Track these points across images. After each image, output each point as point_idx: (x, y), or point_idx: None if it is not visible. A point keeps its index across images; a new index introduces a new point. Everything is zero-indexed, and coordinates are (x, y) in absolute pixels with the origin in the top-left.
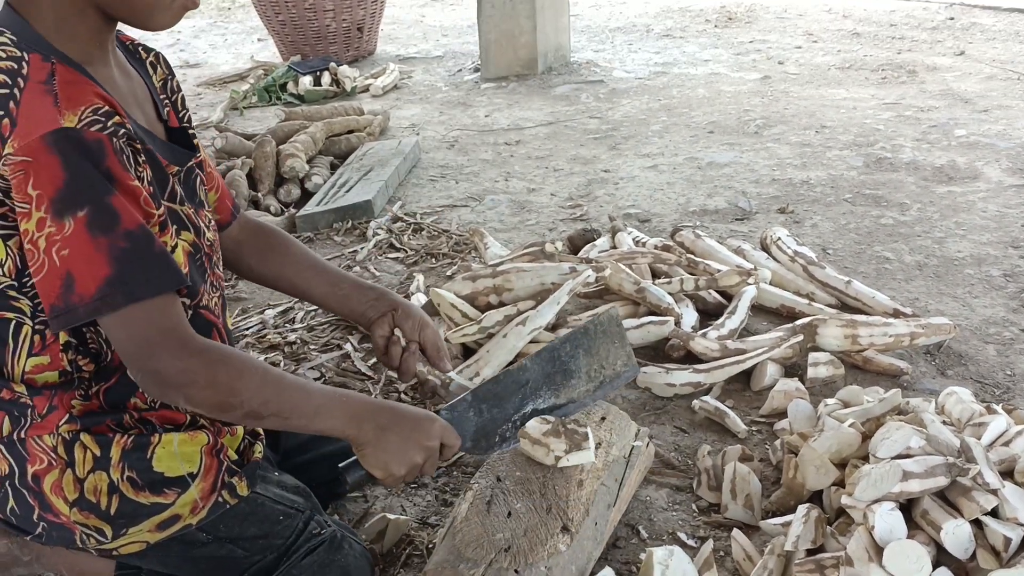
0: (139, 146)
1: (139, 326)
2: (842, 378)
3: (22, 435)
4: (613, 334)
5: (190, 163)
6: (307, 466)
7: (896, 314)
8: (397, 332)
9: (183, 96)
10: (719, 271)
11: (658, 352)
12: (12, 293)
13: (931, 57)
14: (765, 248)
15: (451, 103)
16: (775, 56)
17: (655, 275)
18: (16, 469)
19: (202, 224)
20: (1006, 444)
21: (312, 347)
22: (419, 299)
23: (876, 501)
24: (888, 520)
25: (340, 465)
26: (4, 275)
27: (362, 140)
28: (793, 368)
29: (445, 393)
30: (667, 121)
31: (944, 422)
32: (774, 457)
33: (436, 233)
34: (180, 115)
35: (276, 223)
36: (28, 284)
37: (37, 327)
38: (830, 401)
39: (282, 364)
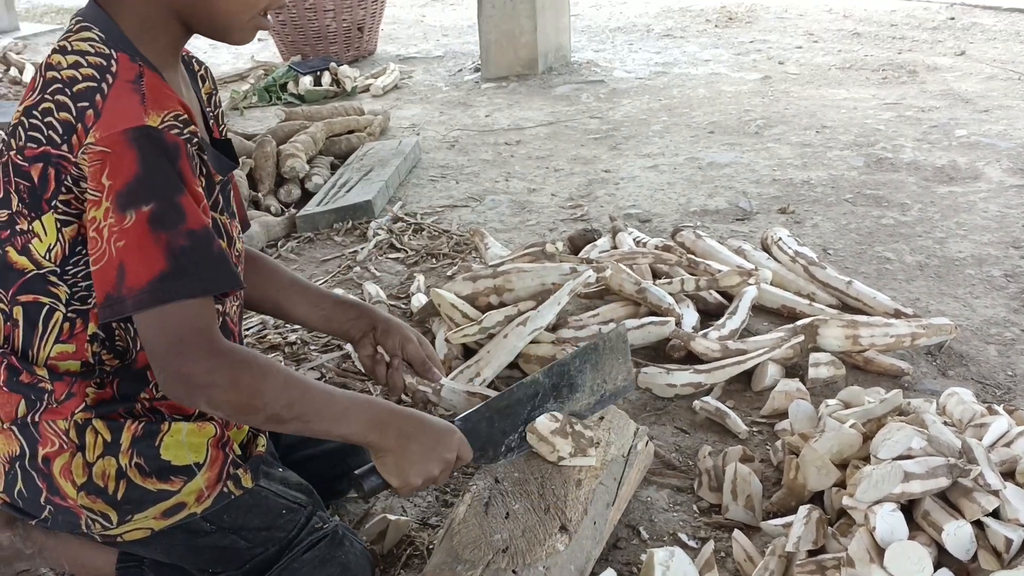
0: (204, 156)
1: (174, 324)
2: (843, 379)
3: (36, 418)
4: (618, 350)
5: (229, 174)
6: (306, 462)
7: (897, 314)
8: (381, 349)
9: (223, 111)
10: (720, 271)
11: (659, 352)
12: (53, 279)
13: (932, 57)
14: (766, 248)
15: (451, 103)
16: (776, 56)
17: (656, 275)
18: (27, 450)
19: (234, 234)
20: (1007, 445)
21: (312, 347)
22: (419, 299)
23: (877, 502)
24: (889, 521)
25: (356, 472)
26: (50, 260)
27: (362, 140)
28: (794, 369)
29: (437, 399)
30: (668, 121)
31: (945, 423)
32: (775, 458)
33: (437, 233)
34: (220, 129)
35: (277, 223)
36: (71, 272)
37: (69, 315)
38: (831, 402)
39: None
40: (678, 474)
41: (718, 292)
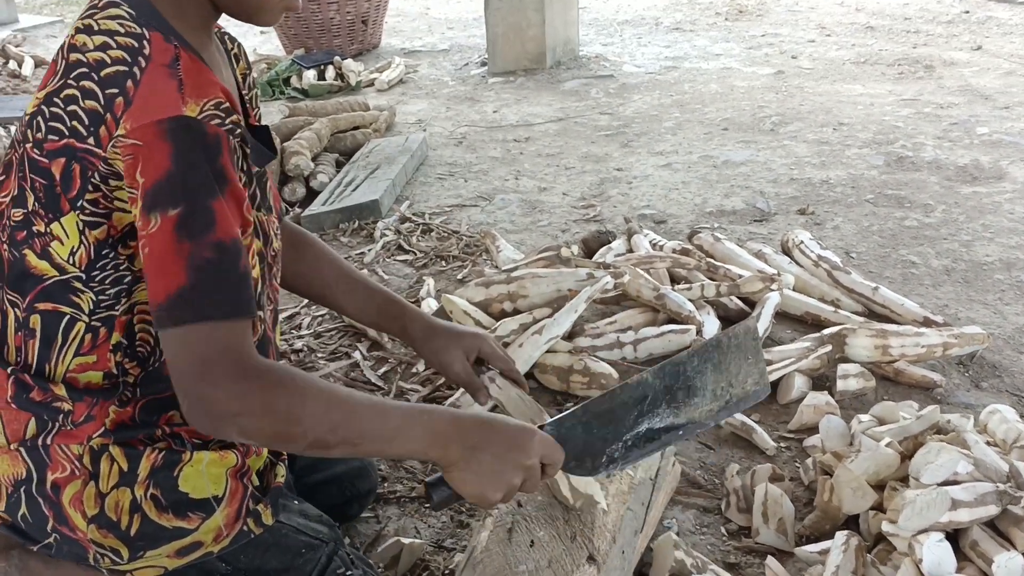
0: (247, 148)
1: (199, 342)
2: (872, 390)
3: (47, 440)
4: (748, 348)
5: (265, 165)
6: (317, 487)
7: (927, 323)
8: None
9: (257, 93)
10: (741, 276)
11: None
12: (77, 285)
13: (948, 52)
14: (787, 251)
15: (458, 98)
16: (788, 50)
17: (674, 280)
18: (35, 475)
19: (271, 231)
20: None
21: (319, 355)
22: (430, 305)
23: (922, 531)
24: (936, 552)
25: (426, 480)
26: (73, 264)
27: (368, 136)
28: (821, 380)
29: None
30: (680, 117)
31: (988, 442)
32: (806, 477)
33: (446, 234)
34: (256, 114)
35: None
36: (97, 279)
37: (93, 324)
38: (864, 418)
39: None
40: (704, 493)
41: (739, 298)
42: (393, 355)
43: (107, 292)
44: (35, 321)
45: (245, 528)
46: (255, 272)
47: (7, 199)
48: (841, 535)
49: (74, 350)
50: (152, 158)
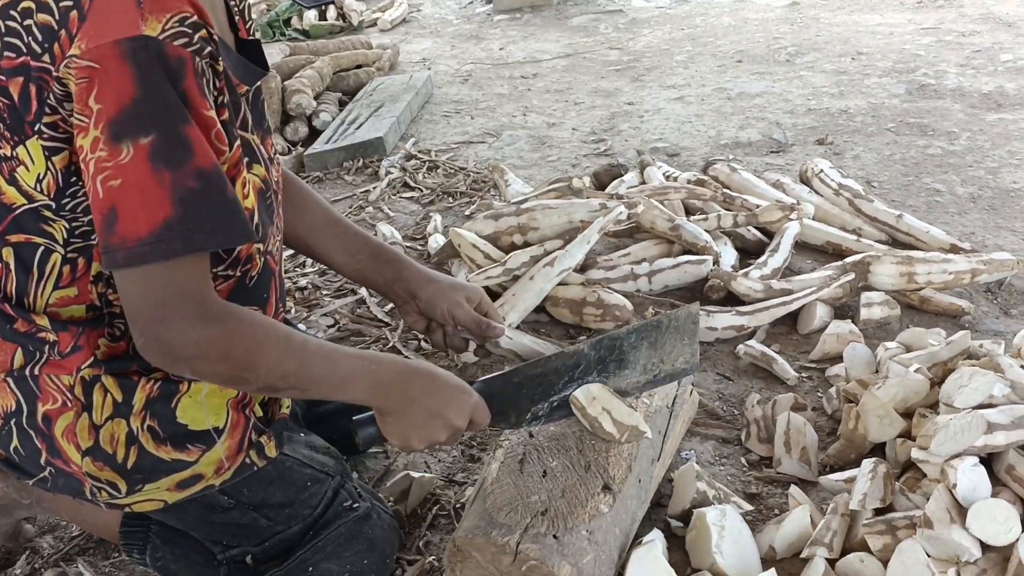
0: (220, 66)
1: (159, 285)
2: (897, 319)
3: (35, 371)
4: (685, 331)
5: (259, 82)
6: (325, 418)
7: (954, 249)
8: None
9: (250, 3)
10: (758, 206)
11: (696, 294)
12: (47, 214)
13: None
14: (806, 181)
15: (463, 36)
16: None
17: (689, 212)
18: (25, 406)
19: (270, 153)
20: None
21: (324, 292)
22: (437, 240)
23: (955, 456)
24: (971, 477)
25: (354, 418)
26: (42, 192)
27: (371, 75)
28: (843, 309)
29: (495, 347)
30: (692, 51)
31: (1022, 366)
32: (829, 406)
33: (452, 171)
34: (248, 25)
35: (283, 163)
36: (68, 206)
37: (69, 255)
38: (891, 345)
39: (293, 311)
40: (723, 424)
41: (757, 228)
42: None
43: (80, 220)
44: (8, 254)
45: (248, 460)
46: (252, 201)
47: None
48: (868, 462)
49: (53, 283)
50: (111, 83)
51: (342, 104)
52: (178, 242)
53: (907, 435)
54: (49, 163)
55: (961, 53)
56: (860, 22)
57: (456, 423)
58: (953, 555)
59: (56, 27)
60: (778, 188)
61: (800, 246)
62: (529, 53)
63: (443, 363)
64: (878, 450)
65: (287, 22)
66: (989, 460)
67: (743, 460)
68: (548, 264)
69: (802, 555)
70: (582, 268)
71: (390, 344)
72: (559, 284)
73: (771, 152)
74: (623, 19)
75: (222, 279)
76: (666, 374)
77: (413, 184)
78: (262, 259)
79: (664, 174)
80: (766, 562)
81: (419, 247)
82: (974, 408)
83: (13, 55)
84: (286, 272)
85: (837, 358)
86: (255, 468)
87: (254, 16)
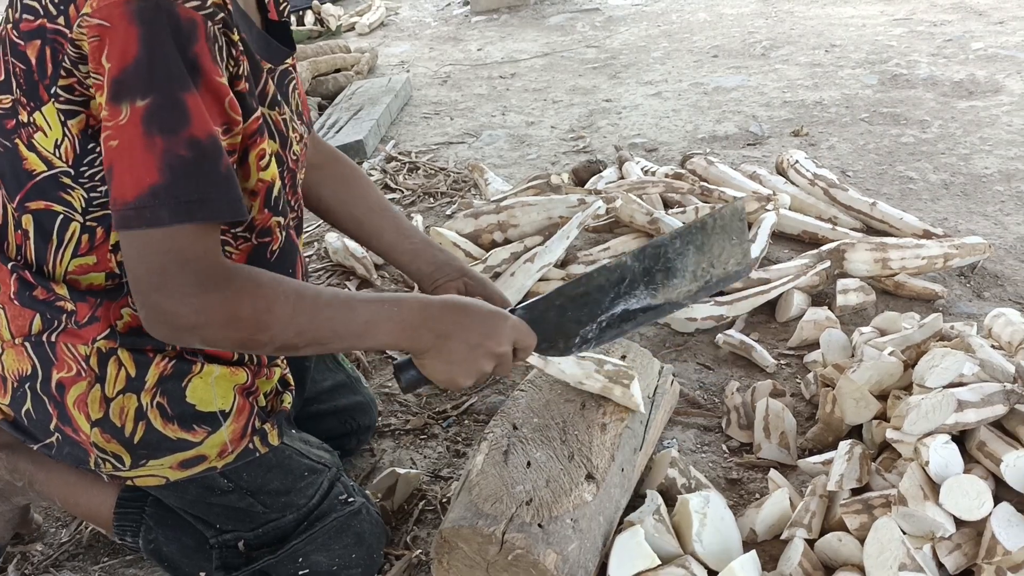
0: (236, 36)
1: (158, 251)
2: (873, 305)
3: (52, 338)
4: (733, 230)
5: (285, 64)
6: (315, 418)
7: (927, 235)
8: None
9: None
10: (735, 198)
11: None
12: (66, 181)
13: None
14: (781, 172)
15: (441, 38)
16: None
17: (667, 205)
18: (40, 372)
19: (291, 135)
20: None
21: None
22: None
23: (928, 434)
24: (943, 454)
25: (394, 363)
26: (60, 158)
27: (350, 79)
28: (820, 296)
29: None
30: (668, 47)
31: (993, 346)
32: (807, 391)
33: (433, 172)
34: (280, 8)
35: None
36: (87, 174)
37: (88, 223)
38: (865, 329)
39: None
40: (704, 412)
41: None
42: (384, 291)
43: (98, 189)
44: (27, 222)
45: (250, 446)
46: (273, 172)
47: None
48: (845, 444)
49: (71, 251)
50: (118, 42)
51: (321, 108)
52: (164, 210)
53: (883, 417)
54: (65, 128)
55: (932, 43)
56: (833, 15)
57: (498, 350)
58: (928, 531)
59: None
60: (755, 180)
61: (777, 236)
62: (507, 53)
63: None
64: (855, 432)
65: None
66: (961, 437)
67: (724, 447)
68: (528, 260)
69: (782, 536)
70: (562, 263)
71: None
72: (540, 280)
73: (748, 145)
74: (600, 17)
75: (242, 239)
76: (718, 278)
77: (394, 185)
78: (283, 233)
79: (642, 169)
80: (747, 544)
81: None
82: (945, 387)
83: (32, 18)
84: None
85: (814, 344)
86: (257, 454)
87: None
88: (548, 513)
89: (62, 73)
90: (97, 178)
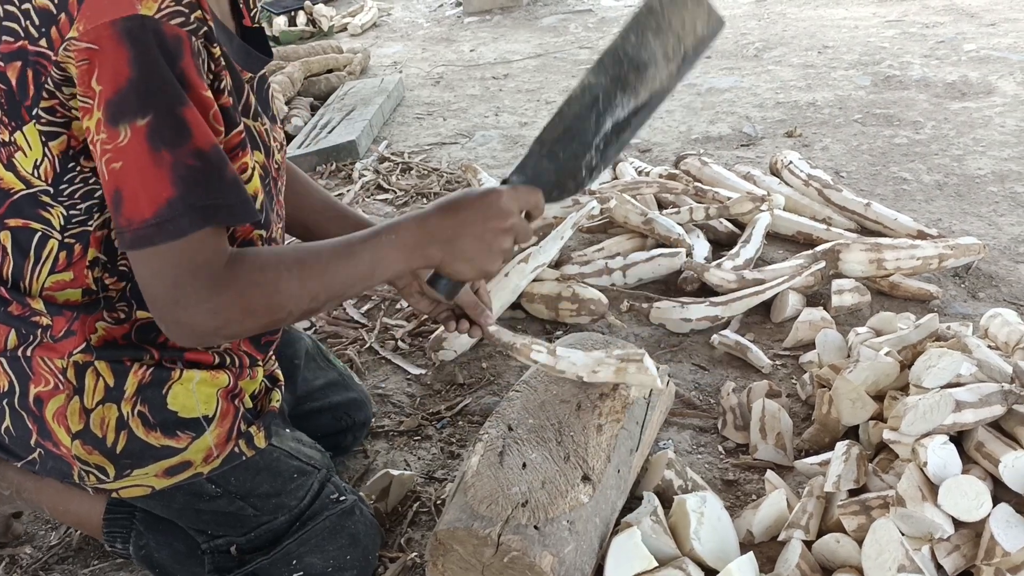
0: (217, 50)
1: (171, 265)
2: (868, 305)
3: (28, 352)
4: None
5: (263, 70)
6: (310, 416)
7: (921, 235)
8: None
9: None
10: (730, 199)
11: (670, 286)
12: (45, 199)
13: None
14: (775, 173)
15: (434, 39)
16: None
17: (661, 206)
18: (17, 387)
19: (272, 144)
20: None
21: None
22: None
23: (925, 435)
24: (941, 455)
25: (427, 280)
26: (40, 178)
27: (342, 80)
28: (815, 297)
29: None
30: None
31: (990, 346)
32: (803, 392)
33: (426, 172)
34: (252, 13)
35: None
36: (66, 192)
37: (66, 241)
38: (861, 330)
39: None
40: (700, 413)
41: (729, 220)
42: (376, 292)
43: (78, 207)
44: (6, 238)
45: (236, 450)
46: (257, 185)
47: None
48: (842, 445)
49: (48, 268)
50: (109, 64)
51: (314, 109)
52: (184, 219)
53: (879, 417)
54: (46, 148)
55: (925, 44)
56: (826, 16)
57: (506, 224)
58: (926, 532)
59: (55, 11)
60: (749, 180)
61: (771, 236)
62: (500, 54)
63: (419, 362)
64: (852, 433)
65: None
66: (959, 438)
67: (720, 448)
68: (522, 261)
69: (779, 538)
70: (556, 264)
71: (367, 345)
72: (534, 280)
73: (741, 145)
74: (592, 19)
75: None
76: (693, 47)
77: (387, 186)
78: (267, 245)
79: (636, 169)
80: (744, 546)
81: None
82: (943, 388)
83: (11, 39)
84: None
85: (810, 345)
86: (243, 457)
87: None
88: (544, 515)
89: (44, 95)
90: (77, 196)
